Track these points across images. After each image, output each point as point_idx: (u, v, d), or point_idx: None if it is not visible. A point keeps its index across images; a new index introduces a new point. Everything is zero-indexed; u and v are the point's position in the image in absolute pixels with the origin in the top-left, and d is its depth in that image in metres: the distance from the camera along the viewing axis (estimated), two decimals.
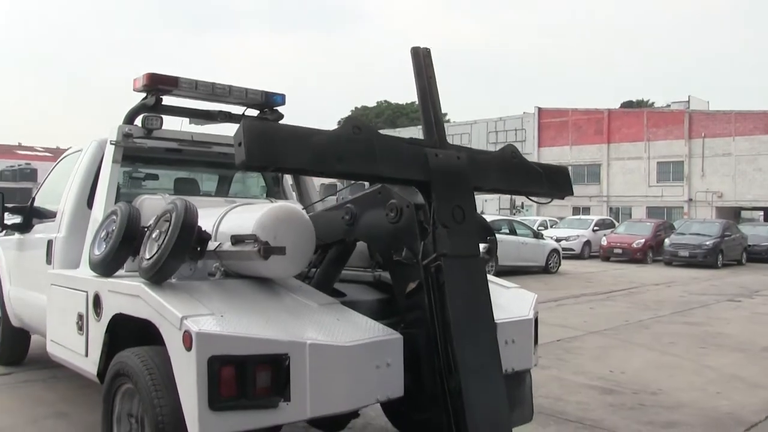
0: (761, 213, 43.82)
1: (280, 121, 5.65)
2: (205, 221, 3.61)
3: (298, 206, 4.88)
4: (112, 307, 3.75)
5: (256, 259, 3.25)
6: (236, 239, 3.35)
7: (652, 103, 72.19)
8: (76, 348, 4.21)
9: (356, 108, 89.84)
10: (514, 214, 36.49)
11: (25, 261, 5.87)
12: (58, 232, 5.10)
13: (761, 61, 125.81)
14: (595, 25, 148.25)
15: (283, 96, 5.60)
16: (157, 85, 4.90)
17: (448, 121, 71.93)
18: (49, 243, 5.18)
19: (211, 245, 3.52)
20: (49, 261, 5.15)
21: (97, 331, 3.91)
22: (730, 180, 43.52)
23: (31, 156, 46.36)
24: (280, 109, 5.61)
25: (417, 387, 3.45)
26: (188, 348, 2.92)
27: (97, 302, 3.90)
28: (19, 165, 39.41)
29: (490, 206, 40.70)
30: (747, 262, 25.16)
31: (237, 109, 5.52)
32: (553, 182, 4.25)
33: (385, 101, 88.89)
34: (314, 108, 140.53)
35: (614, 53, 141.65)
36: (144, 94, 5.00)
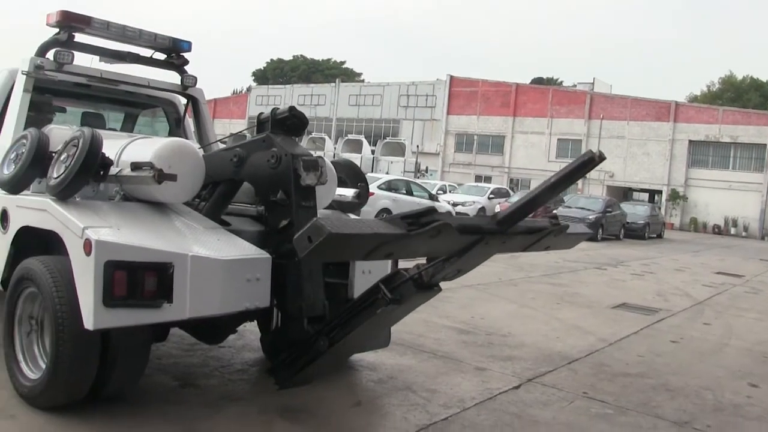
0: (647, 194, 46.71)
1: (185, 67, 6.12)
2: (109, 150, 4.11)
3: (195, 145, 5.40)
4: (18, 221, 4.21)
5: (150, 184, 3.82)
6: (135, 166, 3.90)
7: (561, 81, 74.73)
8: None
9: (271, 60, 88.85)
10: (418, 177, 37.61)
11: None
12: None
13: (663, 51, 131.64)
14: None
15: (189, 43, 6.04)
16: (70, 22, 5.24)
17: (362, 81, 72.37)
18: None
19: (113, 170, 4.04)
20: None
21: (3, 242, 4.36)
22: (622, 161, 46.03)
23: None
24: (186, 55, 6.07)
25: (281, 306, 4.14)
26: (88, 253, 3.46)
27: (4, 217, 4.34)
28: None
29: (395, 168, 41.71)
30: (624, 238, 27.09)
31: (146, 52, 5.94)
32: None
33: (301, 56, 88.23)
34: (228, 57, 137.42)
35: (535, 30, 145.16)
36: (57, 30, 5.35)
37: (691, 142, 44.11)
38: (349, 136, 46.74)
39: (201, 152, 4.54)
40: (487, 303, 9.09)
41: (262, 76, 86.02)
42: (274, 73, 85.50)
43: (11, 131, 5.00)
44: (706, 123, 43.89)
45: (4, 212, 4.34)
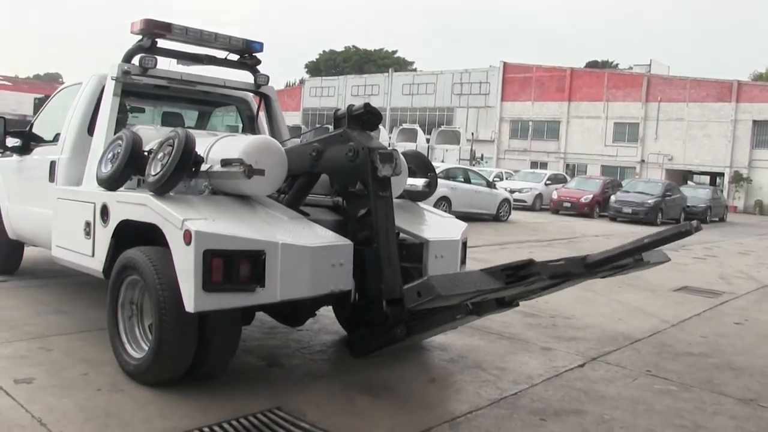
0: (708, 177, 45.73)
1: (258, 66, 6.45)
2: (198, 148, 4.47)
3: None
4: (118, 215, 4.60)
5: (240, 179, 4.16)
6: (225, 162, 4.25)
7: (617, 64, 73.45)
8: (83, 250, 5.05)
9: (324, 51, 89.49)
10: (473, 165, 37.56)
11: (26, 180, 6.61)
12: (61, 154, 5.85)
13: (724, 29, 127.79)
14: None
15: (261, 44, 6.36)
16: (153, 29, 5.62)
17: (415, 70, 72.36)
18: (52, 164, 5.94)
19: (203, 167, 4.40)
20: (52, 179, 5.93)
21: (104, 235, 4.76)
22: (681, 144, 45.19)
23: None
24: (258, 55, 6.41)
25: (361, 289, 4.44)
26: (188, 243, 3.81)
27: (104, 211, 4.75)
28: None
29: (450, 156, 41.70)
30: (685, 221, 26.60)
31: (220, 54, 6.30)
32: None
33: (354, 46, 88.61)
34: (279, 49, 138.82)
35: (588, 13, 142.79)
36: (140, 37, 5.73)
37: (755, 122, 42.99)
38: (404, 126, 46.81)
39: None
40: None
41: (314, 68, 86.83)
42: (326, 65, 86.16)
43: (104, 133, 5.39)
44: None
45: (105, 207, 4.74)
